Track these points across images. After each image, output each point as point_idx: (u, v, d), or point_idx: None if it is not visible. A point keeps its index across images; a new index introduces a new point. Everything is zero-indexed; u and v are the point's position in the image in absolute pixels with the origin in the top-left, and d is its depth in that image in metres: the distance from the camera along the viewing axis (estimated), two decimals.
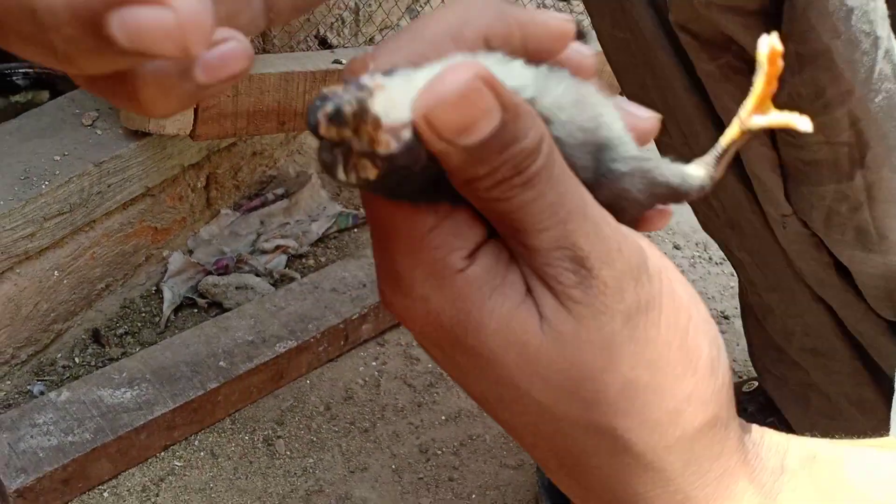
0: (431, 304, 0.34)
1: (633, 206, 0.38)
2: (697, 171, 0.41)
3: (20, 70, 1.47)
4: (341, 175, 0.31)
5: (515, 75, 0.34)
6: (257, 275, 1.41)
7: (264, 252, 1.45)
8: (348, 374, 1.30)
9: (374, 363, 1.32)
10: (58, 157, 1.15)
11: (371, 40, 1.61)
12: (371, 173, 0.31)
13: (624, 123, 0.38)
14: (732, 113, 0.40)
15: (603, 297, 0.33)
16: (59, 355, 1.22)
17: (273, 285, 1.39)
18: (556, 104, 0.34)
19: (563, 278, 0.33)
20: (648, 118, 0.39)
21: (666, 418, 0.34)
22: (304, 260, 1.46)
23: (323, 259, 1.47)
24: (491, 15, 0.34)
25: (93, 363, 1.23)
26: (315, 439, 1.21)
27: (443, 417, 1.26)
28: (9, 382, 1.17)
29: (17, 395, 1.17)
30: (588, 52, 0.37)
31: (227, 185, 1.46)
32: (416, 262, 0.34)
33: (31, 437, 1.05)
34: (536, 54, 0.35)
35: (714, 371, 0.36)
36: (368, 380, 1.30)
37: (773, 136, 0.74)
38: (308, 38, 1.54)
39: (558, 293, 0.34)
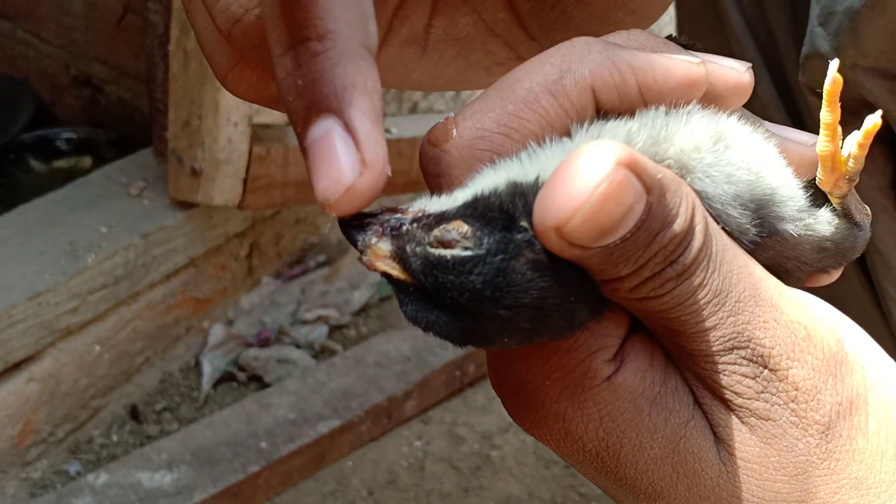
0: (570, 424, 0.27)
1: (802, 269, 0.30)
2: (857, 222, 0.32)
3: (63, 135, 1.46)
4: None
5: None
6: (298, 346, 1.37)
7: (305, 322, 1.42)
8: (391, 455, 1.25)
9: (417, 442, 1.27)
10: (104, 229, 1.12)
11: (415, 107, 1.59)
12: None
13: (785, 161, 0.29)
14: (863, 187, 0.33)
15: (794, 405, 0.26)
16: (97, 432, 1.18)
17: (314, 357, 1.35)
18: (691, 144, 0.27)
19: (740, 388, 0.26)
20: (811, 144, 0.30)
21: None
22: (345, 330, 1.42)
23: (364, 329, 1.43)
24: (596, 61, 0.27)
25: (130, 441, 1.18)
26: None
27: None
28: (45, 461, 1.13)
29: (53, 475, 1.13)
30: (740, 68, 0.29)
31: (270, 252, 1.43)
32: (546, 369, 0.27)
33: None
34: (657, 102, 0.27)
35: None
36: (413, 461, 1.24)
37: None
38: None
39: (736, 407, 0.27)
